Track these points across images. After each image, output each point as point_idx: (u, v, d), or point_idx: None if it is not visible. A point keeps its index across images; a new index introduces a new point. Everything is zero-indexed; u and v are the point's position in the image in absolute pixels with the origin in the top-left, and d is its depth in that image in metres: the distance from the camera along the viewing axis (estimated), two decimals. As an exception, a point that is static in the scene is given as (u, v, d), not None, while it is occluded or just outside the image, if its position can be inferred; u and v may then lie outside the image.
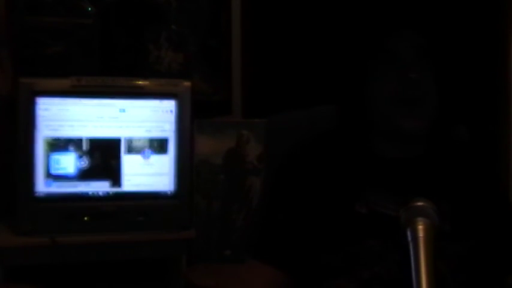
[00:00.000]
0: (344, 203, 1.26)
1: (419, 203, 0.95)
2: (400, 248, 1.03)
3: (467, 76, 1.37)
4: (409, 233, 0.93)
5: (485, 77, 2.83)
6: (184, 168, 2.51)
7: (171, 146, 2.50)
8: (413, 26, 1.28)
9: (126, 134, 2.47)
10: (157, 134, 2.50)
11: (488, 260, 1.29)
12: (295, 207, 1.30)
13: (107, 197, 2.46)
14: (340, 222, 1.24)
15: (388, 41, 1.26)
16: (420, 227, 0.92)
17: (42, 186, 2.40)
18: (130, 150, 2.48)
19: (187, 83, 2.53)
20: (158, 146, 2.50)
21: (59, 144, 2.42)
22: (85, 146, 2.44)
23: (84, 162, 2.44)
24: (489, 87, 2.94)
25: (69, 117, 2.42)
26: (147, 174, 2.49)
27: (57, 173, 2.42)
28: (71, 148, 2.43)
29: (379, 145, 1.31)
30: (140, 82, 2.52)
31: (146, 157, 2.49)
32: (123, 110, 2.47)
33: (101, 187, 2.46)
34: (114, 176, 2.47)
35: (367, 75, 1.27)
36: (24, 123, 2.36)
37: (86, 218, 2.42)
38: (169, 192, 2.51)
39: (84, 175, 2.44)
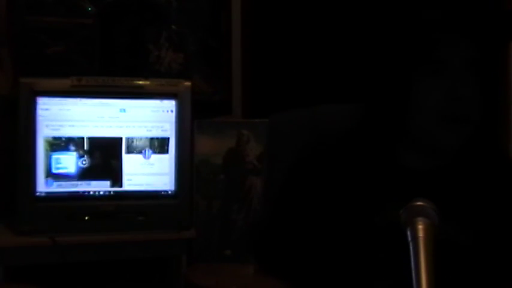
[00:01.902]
0: (362, 214, 1.17)
1: (419, 203, 0.95)
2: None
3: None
4: (409, 233, 0.93)
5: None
6: (184, 168, 2.52)
7: (172, 146, 2.50)
8: (468, 35, 1.16)
9: (126, 134, 2.47)
10: (157, 133, 2.50)
11: (506, 274, 1.22)
12: (308, 212, 1.22)
13: (107, 197, 2.47)
14: (357, 234, 1.17)
15: (437, 50, 1.14)
16: (420, 226, 0.92)
17: (42, 186, 2.40)
18: (131, 150, 2.48)
19: (187, 83, 2.54)
20: (158, 145, 2.50)
21: (59, 144, 2.42)
22: (85, 146, 2.44)
23: (85, 162, 2.44)
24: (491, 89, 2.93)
25: (69, 117, 2.42)
26: (148, 174, 2.49)
27: (58, 172, 2.42)
28: (72, 148, 2.43)
29: (405, 155, 1.22)
30: (140, 82, 2.52)
31: (146, 157, 2.49)
32: (124, 110, 2.48)
33: (101, 187, 2.46)
34: (115, 176, 2.47)
35: (409, 84, 1.16)
36: (25, 123, 2.36)
37: (86, 218, 2.43)
38: (169, 192, 2.51)
39: (84, 175, 2.45)
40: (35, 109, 2.38)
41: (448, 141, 1.16)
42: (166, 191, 2.51)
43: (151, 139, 2.49)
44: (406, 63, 1.15)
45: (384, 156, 1.22)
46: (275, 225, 1.27)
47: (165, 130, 2.50)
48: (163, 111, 2.50)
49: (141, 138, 2.48)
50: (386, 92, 1.19)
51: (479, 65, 1.15)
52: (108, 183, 2.47)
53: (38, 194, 2.40)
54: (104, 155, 2.46)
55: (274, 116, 1.52)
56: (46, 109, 2.40)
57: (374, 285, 1.16)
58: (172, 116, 2.50)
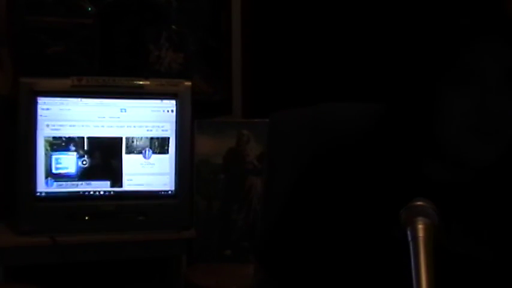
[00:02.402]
0: (379, 225, 1.08)
1: (419, 203, 0.95)
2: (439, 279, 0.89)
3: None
4: (409, 233, 0.92)
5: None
6: (184, 168, 2.52)
7: (172, 146, 2.51)
8: (503, 38, 1.02)
9: (126, 134, 2.47)
10: (157, 133, 2.50)
11: None
12: (319, 221, 1.12)
13: (108, 197, 2.47)
14: (372, 246, 1.08)
15: (466, 54, 1.02)
16: (420, 226, 0.91)
17: (42, 185, 2.40)
18: (131, 150, 2.48)
19: (187, 83, 2.54)
20: (159, 145, 2.50)
21: (59, 144, 2.42)
22: (86, 146, 2.44)
23: (85, 162, 2.45)
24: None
25: (69, 117, 2.42)
26: (148, 174, 2.49)
27: (58, 172, 2.42)
28: (72, 148, 2.43)
29: (428, 166, 1.11)
30: (141, 82, 2.52)
31: (147, 157, 2.49)
32: (124, 110, 2.48)
33: (101, 187, 2.47)
34: (115, 176, 2.48)
35: (435, 92, 1.04)
36: (25, 123, 2.36)
37: (86, 218, 2.43)
38: (169, 192, 2.51)
39: (84, 175, 2.45)
40: (35, 109, 2.38)
41: (476, 157, 1.05)
42: (166, 191, 2.51)
43: (152, 139, 2.49)
44: (434, 68, 1.04)
45: (405, 165, 1.12)
46: (283, 234, 1.18)
47: (165, 130, 2.50)
48: (163, 111, 2.50)
49: (141, 138, 2.49)
50: (414, 98, 1.07)
51: None
52: (108, 183, 2.47)
53: (38, 194, 2.40)
54: (104, 155, 2.46)
55: (274, 114, 1.48)
56: (46, 109, 2.40)
57: None
58: (172, 116, 2.50)
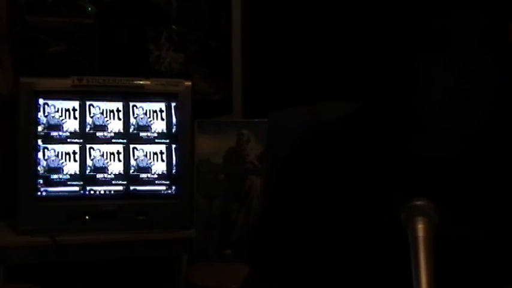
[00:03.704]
0: (367, 209, 1.07)
1: (419, 202, 0.95)
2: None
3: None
4: (408, 233, 0.92)
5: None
6: (184, 168, 2.52)
7: (172, 146, 2.51)
8: (479, 3, 1.03)
9: (127, 134, 2.47)
10: (158, 133, 2.50)
11: None
12: (307, 210, 1.11)
13: (108, 197, 2.47)
14: (360, 231, 1.07)
15: (445, 21, 1.01)
16: (420, 226, 0.91)
17: (43, 185, 2.40)
18: (131, 150, 2.48)
19: (187, 83, 2.54)
20: (159, 145, 2.50)
21: (60, 144, 2.42)
22: (86, 147, 2.44)
23: (85, 162, 2.44)
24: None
25: (70, 117, 2.42)
26: (148, 174, 2.49)
27: (58, 172, 2.42)
28: (72, 148, 2.43)
29: (415, 143, 1.10)
30: (141, 82, 2.52)
31: (147, 157, 2.49)
32: (124, 110, 2.48)
33: (101, 187, 2.46)
34: (115, 176, 2.47)
35: (415, 61, 1.03)
36: (25, 123, 2.36)
37: (86, 218, 2.43)
38: (169, 192, 2.52)
39: (85, 175, 2.45)
40: (36, 109, 2.38)
41: (458, 122, 1.03)
42: (167, 191, 2.51)
43: (152, 139, 2.49)
44: (410, 38, 1.04)
45: (392, 144, 1.10)
46: (271, 222, 1.17)
47: (166, 130, 2.50)
48: (163, 111, 2.51)
49: (141, 138, 2.49)
50: (391, 72, 1.07)
51: (492, 39, 1.03)
52: (108, 183, 2.47)
53: (38, 193, 2.40)
54: (105, 156, 2.46)
55: (274, 113, 1.48)
56: (47, 109, 2.40)
57: None
58: (172, 116, 2.50)
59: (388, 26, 1.08)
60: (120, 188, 2.48)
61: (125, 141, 2.48)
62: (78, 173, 2.44)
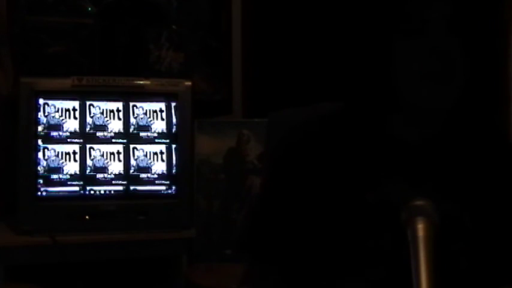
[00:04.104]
0: (352, 192, 1.14)
1: (419, 202, 0.95)
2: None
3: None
4: (408, 233, 0.93)
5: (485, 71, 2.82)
6: (184, 168, 2.52)
7: (172, 146, 2.51)
8: None
9: (127, 134, 2.48)
10: (158, 133, 2.50)
11: (502, 255, 1.20)
12: (296, 196, 1.17)
13: (108, 197, 2.47)
14: (347, 215, 1.13)
15: (415, 11, 1.13)
16: (420, 226, 0.92)
17: (43, 185, 2.40)
18: (131, 150, 2.48)
19: (187, 83, 2.54)
20: (159, 145, 2.50)
21: (60, 144, 2.42)
22: (86, 147, 2.44)
23: (85, 162, 2.44)
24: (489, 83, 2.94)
25: (70, 117, 2.42)
26: (148, 174, 2.50)
27: (58, 172, 2.42)
28: (72, 148, 2.43)
29: (394, 125, 1.18)
30: (141, 82, 2.52)
31: (147, 157, 2.49)
32: (124, 110, 2.48)
33: (101, 187, 2.47)
34: (115, 176, 2.48)
35: (390, 49, 1.14)
36: (25, 123, 2.36)
37: (86, 217, 2.43)
38: (170, 192, 2.52)
39: (85, 175, 2.45)
40: (36, 109, 2.38)
41: (432, 99, 1.12)
42: (167, 191, 2.51)
43: (152, 139, 2.50)
44: (383, 26, 1.15)
45: (373, 129, 1.20)
46: (264, 211, 1.23)
47: (166, 130, 2.50)
48: (163, 110, 2.51)
49: (141, 139, 2.49)
50: (368, 59, 1.18)
51: (458, 25, 1.14)
52: (108, 183, 2.47)
53: (38, 193, 2.40)
54: (105, 156, 2.46)
55: (273, 114, 1.50)
56: (47, 109, 2.40)
57: (364, 273, 1.12)
58: (172, 116, 2.50)
59: (364, 15, 1.19)
60: (120, 188, 2.48)
61: (125, 141, 2.48)
62: (78, 173, 2.44)
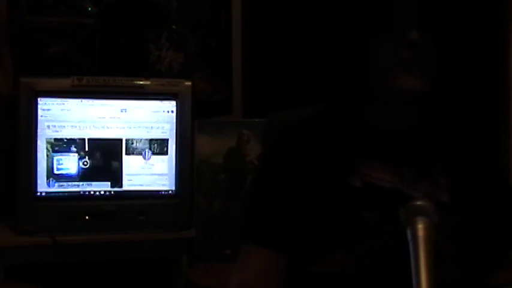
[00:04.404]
0: (337, 177, 1.24)
1: (419, 202, 0.95)
2: (395, 220, 1.03)
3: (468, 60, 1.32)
4: (408, 233, 0.93)
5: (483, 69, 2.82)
6: (184, 168, 2.52)
7: (172, 146, 2.51)
8: None
9: (127, 135, 2.48)
10: (158, 134, 2.50)
11: (486, 234, 1.27)
12: (287, 184, 1.26)
13: (108, 197, 2.47)
14: (333, 197, 1.22)
15: (387, 5, 1.24)
16: (420, 226, 0.92)
17: (43, 185, 2.40)
18: (131, 150, 2.48)
19: (187, 83, 2.54)
20: (159, 146, 2.50)
21: (61, 145, 2.42)
22: (87, 147, 2.44)
23: (86, 163, 2.45)
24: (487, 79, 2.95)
25: (70, 118, 2.42)
26: (148, 174, 2.50)
27: (58, 173, 2.42)
28: (73, 149, 2.43)
29: (373, 115, 1.29)
30: (141, 82, 2.52)
31: (147, 157, 2.49)
32: (124, 110, 2.48)
33: (101, 187, 2.47)
34: (115, 176, 2.48)
35: (365, 41, 1.25)
36: (25, 123, 2.36)
37: (86, 218, 2.43)
38: (170, 192, 2.52)
39: (85, 175, 2.45)
40: (36, 109, 2.38)
41: (406, 83, 1.21)
42: (167, 191, 2.51)
43: (152, 139, 2.50)
44: (359, 20, 1.26)
45: (353, 119, 1.30)
46: (261, 199, 1.31)
47: (166, 130, 2.50)
48: (163, 111, 2.51)
49: (141, 139, 2.49)
50: (344, 57, 1.30)
51: (429, 15, 1.23)
52: (108, 183, 2.47)
53: (38, 194, 2.40)
54: (105, 156, 2.47)
55: (271, 115, 1.55)
56: (47, 109, 2.40)
57: (354, 247, 1.18)
58: (172, 116, 2.50)
59: (340, 14, 1.33)
60: (120, 188, 2.48)
61: (124, 141, 2.48)
62: (78, 173, 2.44)
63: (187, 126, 2.52)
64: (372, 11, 1.25)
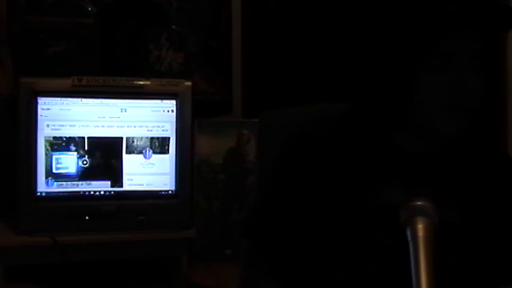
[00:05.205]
0: (353, 196, 1.19)
1: (419, 202, 0.95)
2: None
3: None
4: (408, 233, 0.93)
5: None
6: (184, 168, 2.52)
7: (172, 146, 2.51)
8: (474, 26, 1.14)
9: (127, 134, 2.48)
10: (158, 133, 2.50)
11: (495, 256, 1.25)
12: (300, 194, 1.22)
13: (108, 197, 2.47)
14: (348, 216, 1.18)
15: (443, 42, 1.13)
16: (420, 226, 0.92)
17: (43, 185, 2.40)
18: (131, 150, 2.48)
19: (187, 83, 2.54)
20: (159, 145, 2.50)
21: (60, 144, 2.42)
22: (86, 146, 2.44)
23: (85, 162, 2.45)
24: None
25: (70, 117, 2.42)
26: (148, 173, 2.50)
27: (58, 172, 2.42)
28: (72, 148, 2.43)
29: (400, 139, 1.23)
30: (141, 82, 2.52)
31: (147, 157, 2.49)
32: (124, 110, 2.48)
33: (101, 187, 2.47)
34: (115, 176, 2.48)
35: (413, 75, 1.15)
36: (25, 123, 2.36)
37: (86, 218, 2.43)
38: (170, 192, 2.52)
39: (85, 175, 2.45)
40: (36, 109, 2.38)
41: (449, 130, 1.17)
42: (167, 191, 2.51)
43: (152, 139, 2.50)
44: (411, 55, 1.15)
45: (378, 139, 1.24)
46: (268, 206, 1.28)
47: (166, 130, 2.50)
48: (163, 111, 2.51)
49: (141, 138, 2.49)
50: (389, 80, 1.19)
51: (484, 56, 1.16)
52: (108, 183, 2.47)
53: (38, 193, 2.40)
54: (105, 155, 2.47)
55: (264, 114, 1.53)
56: (46, 109, 2.40)
57: (365, 264, 1.16)
58: (172, 116, 2.50)
59: (391, 40, 1.18)
60: (120, 188, 2.48)
61: (124, 141, 2.48)
62: (78, 173, 2.44)
63: (187, 126, 2.52)
64: (423, 45, 1.14)
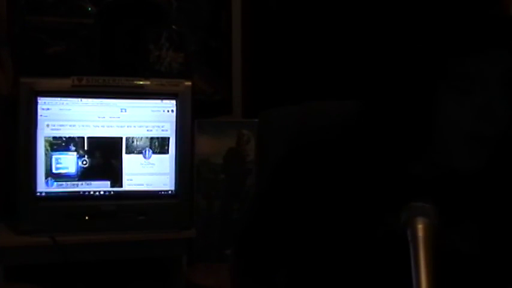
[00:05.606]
0: (360, 225, 1.08)
1: (419, 203, 0.95)
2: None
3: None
4: (408, 233, 0.92)
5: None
6: (184, 168, 2.52)
7: (172, 146, 2.51)
8: (504, 45, 1.02)
9: (126, 134, 2.48)
10: (158, 133, 2.50)
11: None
12: (296, 220, 1.12)
13: (108, 197, 2.47)
14: (354, 247, 1.08)
15: (468, 64, 1.01)
16: (420, 226, 0.91)
17: (43, 185, 2.40)
18: (131, 149, 2.48)
19: (187, 83, 2.54)
20: (159, 145, 2.50)
21: (60, 144, 2.42)
22: (86, 146, 2.44)
23: (85, 162, 2.45)
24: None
25: (70, 117, 2.42)
26: (148, 173, 2.50)
27: (58, 172, 2.42)
28: (72, 148, 2.43)
29: (415, 167, 1.11)
30: (141, 82, 2.52)
31: (147, 157, 2.49)
32: (124, 110, 2.48)
33: (101, 187, 2.47)
34: (115, 176, 2.48)
35: (437, 99, 1.03)
36: (25, 123, 2.36)
37: (86, 218, 2.43)
38: (169, 192, 2.52)
39: (84, 175, 2.45)
40: (35, 109, 2.38)
41: (469, 164, 1.05)
42: (167, 191, 2.51)
43: (152, 139, 2.50)
44: (432, 73, 1.03)
45: (388, 162, 1.11)
46: (261, 224, 1.19)
47: (166, 130, 2.50)
48: (163, 111, 2.51)
49: (141, 138, 2.49)
50: (407, 103, 1.06)
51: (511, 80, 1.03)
52: (108, 183, 2.47)
53: (38, 193, 2.40)
54: (104, 155, 2.47)
55: (264, 112, 1.49)
56: (46, 109, 2.40)
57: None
58: (172, 116, 2.50)
59: (412, 59, 1.07)
60: (120, 188, 2.48)
61: (124, 141, 2.48)
62: (78, 173, 2.44)
63: (187, 126, 2.52)
64: (448, 66, 1.02)
